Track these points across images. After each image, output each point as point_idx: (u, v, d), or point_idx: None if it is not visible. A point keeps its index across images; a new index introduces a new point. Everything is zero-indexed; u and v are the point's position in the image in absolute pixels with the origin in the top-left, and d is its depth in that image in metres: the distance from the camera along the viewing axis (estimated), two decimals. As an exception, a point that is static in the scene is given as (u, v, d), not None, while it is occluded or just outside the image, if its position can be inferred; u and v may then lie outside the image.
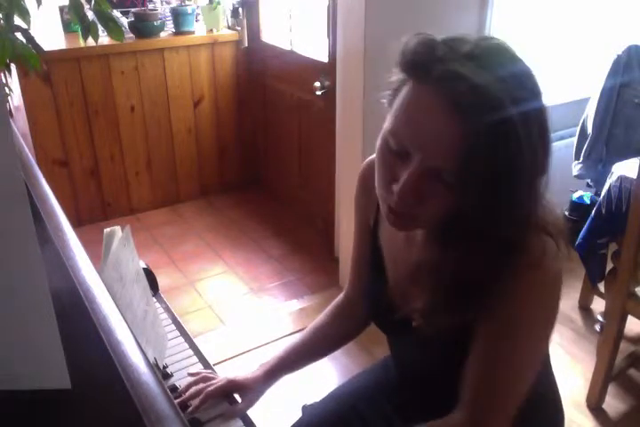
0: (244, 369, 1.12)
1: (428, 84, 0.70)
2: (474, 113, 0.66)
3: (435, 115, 0.69)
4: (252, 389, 1.07)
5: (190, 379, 1.06)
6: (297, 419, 1.16)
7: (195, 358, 1.14)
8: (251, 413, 1.04)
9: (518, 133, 0.67)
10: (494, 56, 0.71)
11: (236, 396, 1.06)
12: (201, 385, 1.03)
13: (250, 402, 1.06)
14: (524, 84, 0.71)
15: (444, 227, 0.77)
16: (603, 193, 1.88)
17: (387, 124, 0.76)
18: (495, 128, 0.66)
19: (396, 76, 0.75)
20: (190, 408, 1.01)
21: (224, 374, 1.10)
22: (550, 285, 0.80)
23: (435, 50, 0.70)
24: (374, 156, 0.86)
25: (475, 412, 0.82)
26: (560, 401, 1.07)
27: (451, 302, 0.80)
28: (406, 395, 1.06)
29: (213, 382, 1.05)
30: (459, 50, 0.70)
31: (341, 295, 1.17)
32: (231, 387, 1.05)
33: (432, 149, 0.70)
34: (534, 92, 0.72)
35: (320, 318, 1.16)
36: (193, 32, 3.05)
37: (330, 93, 2.51)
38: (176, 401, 1.00)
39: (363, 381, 1.20)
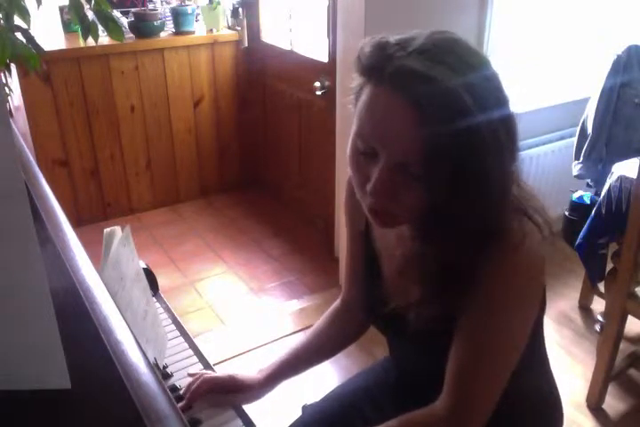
0: (244, 369, 1.12)
1: (383, 83, 0.72)
2: (428, 105, 0.68)
3: (392, 112, 0.71)
4: (251, 389, 1.07)
5: (190, 379, 1.06)
6: (297, 418, 1.16)
7: (195, 358, 1.14)
8: (250, 412, 1.04)
9: (477, 120, 0.69)
10: (445, 48, 0.72)
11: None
12: (201, 380, 1.04)
13: (247, 400, 1.07)
14: (480, 71, 0.72)
15: (424, 220, 0.79)
16: (603, 193, 1.88)
17: (353, 127, 0.77)
18: (452, 117, 0.67)
19: (356, 80, 0.77)
20: (183, 390, 1.01)
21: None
22: (532, 267, 0.81)
23: (385, 50, 0.72)
24: None
25: (455, 400, 0.83)
26: (559, 400, 1.07)
27: (437, 291, 0.81)
28: (406, 394, 1.06)
29: (214, 374, 1.05)
30: (409, 46, 0.71)
31: (338, 301, 1.18)
32: (231, 381, 1.06)
33: (395, 146, 0.72)
34: (489, 78, 0.73)
35: (318, 323, 1.16)
36: (193, 32, 3.05)
37: (330, 93, 2.51)
38: (179, 405, 1.01)
39: (362, 380, 1.20)
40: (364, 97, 0.75)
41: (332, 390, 1.21)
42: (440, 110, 0.68)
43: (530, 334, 0.85)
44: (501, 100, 0.74)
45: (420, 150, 0.70)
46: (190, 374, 1.08)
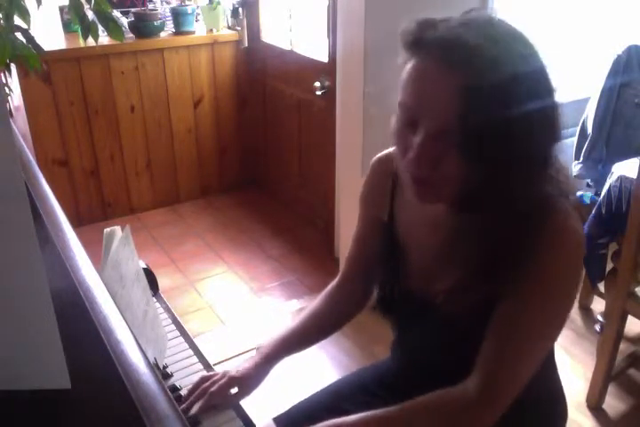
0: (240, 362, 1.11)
1: (424, 53, 0.75)
2: (469, 72, 0.70)
3: (433, 79, 0.74)
4: (253, 377, 1.07)
5: (193, 380, 1.06)
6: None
7: (195, 358, 1.14)
8: (250, 412, 1.04)
9: (517, 87, 0.71)
10: (485, 21, 0.76)
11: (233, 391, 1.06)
12: (204, 386, 1.03)
13: (248, 389, 1.06)
14: (519, 43, 0.75)
15: (468, 197, 0.80)
16: (603, 193, 1.88)
17: (397, 101, 0.80)
18: (492, 83, 0.70)
19: (401, 57, 0.81)
20: (195, 409, 1.00)
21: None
22: (576, 247, 0.81)
23: (427, 23, 0.78)
24: (384, 152, 0.96)
25: (488, 381, 0.83)
26: (564, 395, 1.08)
27: (481, 274, 0.82)
28: (408, 385, 1.05)
29: (215, 379, 1.05)
30: (450, 20, 0.77)
31: (335, 281, 1.17)
32: (234, 383, 1.05)
33: (435, 112, 0.74)
34: (529, 50, 0.76)
35: (315, 302, 1.16)
36: (193, 32, 3.05)
37: (330, 93, 2.51)
38: (182, 406, 1.00)
39: (358, 376, 1.20)
40: (406, 69, 0.78)
41: (300, 402, 1.20)
42: (481, 77, 0.70)
43: None
44: (543, 75, 0.76)
45: (459, 117, 0.71)
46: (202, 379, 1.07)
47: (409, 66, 0.77)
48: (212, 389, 1.02)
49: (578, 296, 2.44)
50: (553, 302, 0.82)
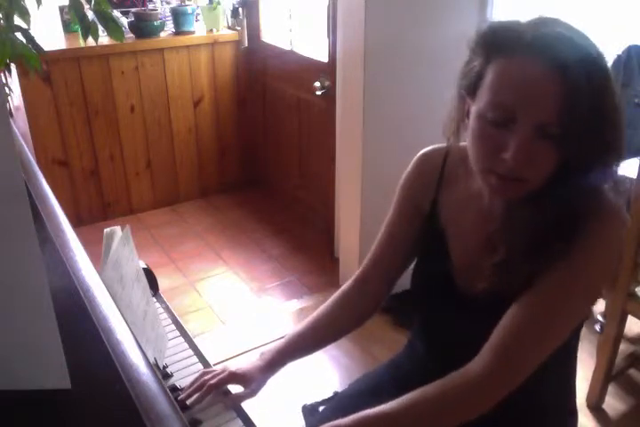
0: (243, 360, 1.11)
1: (519, 53, 0.78)
2: (569, 65, 0.74)
3: (532, 75, 0.77)
4: (255, 378, 1.06)
5: (192, 378, 1.06)
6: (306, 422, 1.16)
7: (195, 358, 1.14)
8: (250, 412, 1.04)
9: (610, 83, 0.77)
10: (562, 23, 0.82)
11: (230, 387, 1.06)
12: (203, 378, 1.04)
13: (253, 392, 1.06)
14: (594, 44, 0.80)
15: (547, 185, 0.83)
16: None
17: (481, 104, 0.82)
18: (589, 77, 0.75)
19: (475, 62, 0.84)
20: (191, 399, 1.01)
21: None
22: (621, 237, 0.86)
23: (514, 26, 0.81)
24: (432, 147, 1.03)
25: (499, 358, 0.83)
26: (575, 402, 1.09)
27: (530, 252, 0.84)
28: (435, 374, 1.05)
29: (215, 373, 1.05)
30: (533, 22, 0.81)
31: (350, 281, 1.14)
32: (234, 379, 1.05)
33: (536, 107, 0.77)
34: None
35: (325, 305, 1.14)
36: (193, 32, 3.05)
37: (330, 93, 2.51)
38: (180, 396, 1.01)
39: (385, 373, 1.19)
40: (492, 72, 0.80)
41: (342, 391, 1.20)
42: (579, 70, 0.74)
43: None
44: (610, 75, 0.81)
45: (558, 109, 0.75)
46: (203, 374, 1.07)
47: (497, 68, 0.80)
48: (211, 382, 1.02)
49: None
50: (582, 285, 0.84)
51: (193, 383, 1.04)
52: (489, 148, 0.82)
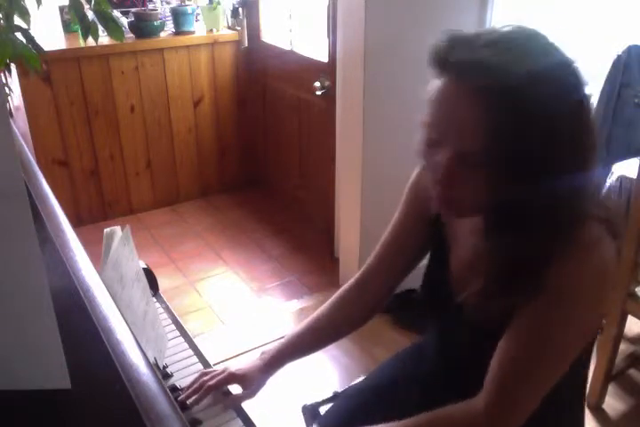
0: (242, 360, 1.11)
1: (446, 74, 0.74)
2: (489, 94, 0.70)
3: (454, 101, 0.74)
4: (255, 379, 1.07)
5: (192, 378, 1.06)
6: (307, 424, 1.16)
7: (195, 358, 1.14)
8: (250, 413, 1.04)
9: (539, 110, 0.70)
10: (515, 40, 0.74)
11: (230, 388, 1.06)
12: (202, 379, 1.04)
13: (252, 392, 1.07)
14: (550, 65, 0.73)
15: (498, 212, 0.79)
16: (603, 193, 1.88)
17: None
18: (513, 106, 0.69)
19: (430, 74, 0.80)
20: (190, 400, 1.01)
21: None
22: (602, 272, 0.79)
23: (453, 43, 0.74)
24: None
25: (498, 398, 0.82)
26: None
27: (500, 286, 0.81)
28: (437, 386, 1.04)
29: (214, 373, 1.05)
30: (477, 40, 0.73)
31: (352, 281, 1.14)
32: (233, 380, 1.05)
33: (456, 134, 0.74)
34: (562, 73, 0.74)
35: (325, 305, 1.13)
36: (193, 32, 3.05)
37: (330, 93, 2.51)
38: (180, 397, 1.01)
39: (388, 374, 1.18)
40: (432, 88, 0.77)
41: (347, 389, 1.20)
42: (501, 99, 0.69)
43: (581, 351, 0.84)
44: (571, 92, 0.75)
45: (480, 138, 0.72)
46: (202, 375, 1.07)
47: (435, 85, 0.76)
48: (210, 382, 1.03)
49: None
50: (565, 321, 0.80)
51: (192, 384, 1.04)
52: (427, 166, 0.81)
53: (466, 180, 0.76)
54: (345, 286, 1.14)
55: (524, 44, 0.74)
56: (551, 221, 0.77)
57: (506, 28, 0.76)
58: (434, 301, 1.02)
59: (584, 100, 0.76)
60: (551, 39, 0.77)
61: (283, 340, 1.11)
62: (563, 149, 0.73)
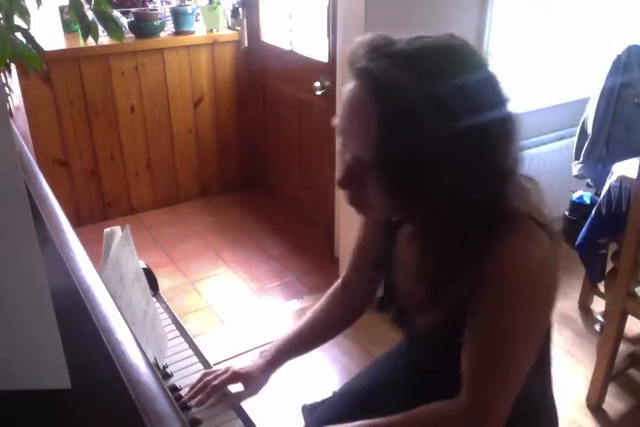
0: (242, 361, 1.12)
1: (354, 79, 0.76)
2: (379, 104, 0.72)
3: (355, 107, 0.76)
4: (257, 377, 1.07)
5: (193, 380, 1.06)
6: (304, 423, 1.16)
7: (195, 358, 1.14)
8: (250, 412, 1.04)
9: (430, 125, 0.70)
10: (423, 54, 0.74)
11: (231, 387, 1.07)
12: (206, 379, 1.04)
13: (255, 390, 1.07)
14: (455, 79, 0.73)
15: (412, 216, 0.82)
16: (603, 193, 1.88)
17: None
18: (401, 120, 0.71)
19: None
20: (194, 400, 1.01)
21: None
22: (537, 271, 0.80)
23: (362, 48, 0.75)
24: None
25: (472, 399, 0.83)
26: (555, 408, 1.06)
27: (433, 292, 0.83)
28: (416, 390, 1.05)
29: (218, 373, 1.05)
30: (384, 48, 0.74)
31: (338, 282, 1.17)
32: (237, 379, 1.06)
33: (353, 139, 0.78)
34: (469, 85, 0.73)
35: (319, 304, 1.16)
36: (193, 32, 3.05)
37: (330, 93, 2.51)
38: (182, 399, 1.01)
39: (370, 378, 1.19)
40: (345, 90, 0.79)
41: (338, 391, 1.20)
42: (391, 113, 0.71)
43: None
44: (479, 106, 0.74)
45: (372, 146, 0.74)
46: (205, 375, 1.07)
47: (347, 86, 0.78)
48: (214, 382, 1.03)
49: (578, 296, 2.44)
50: (511, 319, 0.80)
51: (195, 384, 1.04)
52: (342, 165, 0.82)
53: (363, 181, 0.78)
54: (333, 287, 1.18)
55: (432, 58, 0.74)
56: (465, 223, 0.78)
57: (428, 40, 0.75)
58: (390, 311, 1.03)
59: (497, 118, 0.76)
60: (478, 55, 0.77)
61: (281, 340, 1.12)
62: (453, 164, 0.73)
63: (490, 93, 0.76)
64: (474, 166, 0.75)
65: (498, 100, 0.77)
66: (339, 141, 0.83)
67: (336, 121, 0.80)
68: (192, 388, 1.04)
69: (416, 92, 0.70)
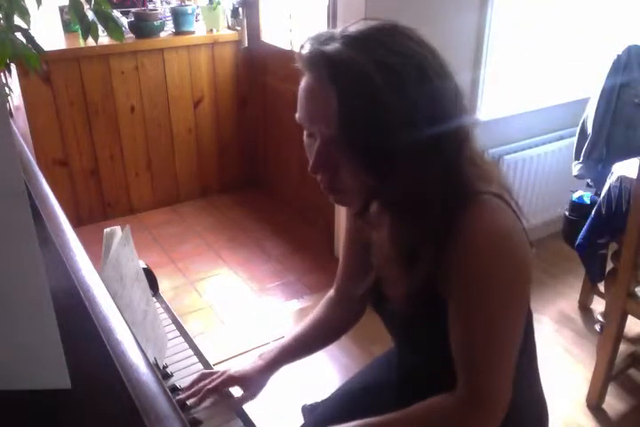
0: (240, 363, 1.12)
1: (307, 70, 0.80)
2: (340, 85, 0.74)
3: (313, 94, 0.79)
4: (254, 380, 1.07)
5: (192, 378, 1.06)
6: (302, 424, 1.16)
7: (195, 358, 1.14)
8: (251, 413, 1.04)
9: (386, 98, 0.73)
10: (369, 35, 0.77)
11: (231, 390, 1.07)
12: (202, 383, 1.04)
13: (253, 394, 1.07)
14: (404, 55, 0.75)
15: (381, 196, 0.84)
16: (603, 193, 1.88)
17: None
18: (358, 95, 0.73)
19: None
20: (190, 402, 1.01)
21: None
22: (506, 238, 0.79)
23: (311, 38, 0.79)
24: None
25: (468, 389, 0.82)
26: (545, 404, 1.06)
27: (405, 272, 0.84)
28: (409, 391, 1.05)
29: (214, 376, 1.05)
30: (333, 35, 0.77)
31: (332, 290, 1.19)
32: (232, 382, 1.06)
33: (317, 122, 0.79)
34: (408, 56, 0.76)
35: (317, 310, 1.17)
36: (193, 32, 3.05)
37: (330, 93, 2.51)
38: (177, 397, 1.01)
39: (365, 379, 1.19)
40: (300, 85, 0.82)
41: (335, 391, 1.20)
42: (346, 86, 0.74)
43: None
44: (428, 74, 0.76)
45: (335, 123, 0.75)
46: (199, 378, 1.07)
47: (301, 82, 0.81)
48: (209, 386, 1.03)
49: (578, 296, 2.44)
50: (493, 294, 0.80)
51: (191, 386, 1.04)
52: (310, 157, 0.84)
53: (336, 167, 0.79)
54: (328, 294, 1.19)
55: (377, 38, 0.76)
56: (430, 195, 0.79)
57: (371, 22, 0.80)
58: (372, 302, 1.04)
59: (442, 86, 0.78)
60: (416, 33, 0.81)
61: (280, 343, 1.13)
62: (411, 137, 0.75)
63: (436, 63, 0.79)
64: (430, 132, 0.77)
65: (444, 70, 0.80)
66: (304, 135, 0.85)
67: (297, 115, 0.82)
68: (188, 388, 1.03)
69: (367, 63, 0.73)
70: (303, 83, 0.81)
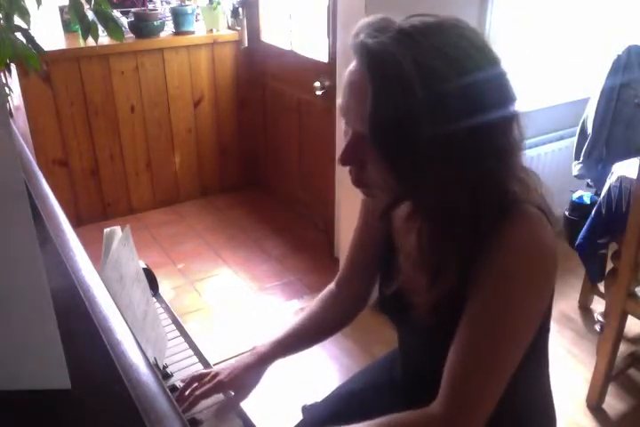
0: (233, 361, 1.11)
1: (355, 57, 0.77)
2: (373, 78, 0.73)
3: (354, 83, 0.77)
4: (246, 381, 1.06)
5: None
6: (299, 421, 1.16)
7: (195, 358, 1.14)
8: (250, 413, 1.04)
9: (421, 100, 0.70)
10: (421, 31, 0.75)
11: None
12: (191, 388, 1.03)
13: (245, 393, 1.06)
14: (448, 56, 0.73)
15: (412, 197, 0.82)
16: (603, 193, 1.88)
17: None
18: (395, 94, 0.71)
19: None
20: (180, 408, 1.00)
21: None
22: (537, 255, 0.78)
23: (366, 27, 0.77)
24: None
25: (451, 400, 0.79)
26: (553, 409, 1.04)
27: (433, 280, 0.82)
28: (410, 393, 1.05)
29: (204, 380, 1.04)
30: (382, 27, 0.75)
31: (332, 285, 1.17)
32: (222, 388, 1.04)
33: (352, 114, 0.78)
34: (454, 58, 0.73)
35: (313, 304, 1.15)
36: (193, 32, 3.05)
37: (330, 93, 2.51)
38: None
39: (365, 380, 1.19)
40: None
41: (334, 390, 1.20)
42: (381, 81, 0.72)
43: (534, 336, 0.82)
44: (470, 72, 0.74)
45: (367, 117, 0.73)
46: (182, 381, 1.06)
47: (349, 65, 0.79)
48: (197, 392, 1.02)
49: (578, 296, 2.44)
50: (508, 310, 0.78)
51: (182, 390, 1.03)
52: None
53: (364, 159, 0.78)
54: (327, 289, 1.17)
55: (429, 33, 0.75)
56: (464, 205, 0.77)
57: (428, 18, 0.79)
58: (390, 309, 1.02)
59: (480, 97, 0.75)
60: (480, 37, 0.79)
61: (272, 337, 1.11)
62: (443, 145, 0.73)
63: (484, 65, 0.76)
64: (465, 144, 0.74)
65: (491, 72, 0.78)
66: (342, 122, 0.83)
67: (338, 101, 0.80)
68: (181, 392, 1.02)
69: (407, 60, 0.71)
70: (351, 66, 0.78)
